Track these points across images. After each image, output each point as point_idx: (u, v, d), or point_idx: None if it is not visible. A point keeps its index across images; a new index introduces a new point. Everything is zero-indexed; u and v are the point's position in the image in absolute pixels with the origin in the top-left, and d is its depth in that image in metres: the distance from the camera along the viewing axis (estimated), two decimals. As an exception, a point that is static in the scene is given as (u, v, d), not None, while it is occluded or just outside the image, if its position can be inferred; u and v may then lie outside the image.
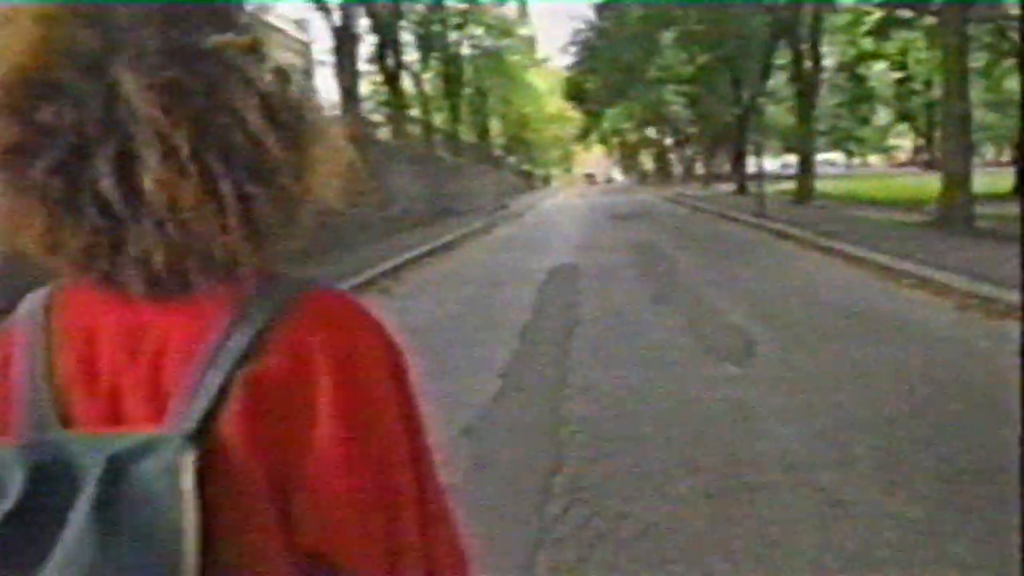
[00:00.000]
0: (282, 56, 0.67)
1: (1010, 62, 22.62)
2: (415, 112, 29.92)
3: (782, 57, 27.17)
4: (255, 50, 0.64)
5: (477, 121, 42.59)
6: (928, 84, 43.91)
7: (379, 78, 27.08)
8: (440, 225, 18.74)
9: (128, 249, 0.62)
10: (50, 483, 0.60)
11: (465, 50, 36.87)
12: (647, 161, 71.72)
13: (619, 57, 30.83)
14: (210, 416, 0.63)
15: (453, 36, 34.10)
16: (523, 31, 41.67)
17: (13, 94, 0.60)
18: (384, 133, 21.49)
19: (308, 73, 0.72)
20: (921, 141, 55.81)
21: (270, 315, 0.66)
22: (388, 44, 24.33)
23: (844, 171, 56.24)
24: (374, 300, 7.82)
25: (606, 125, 50.01)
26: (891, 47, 31.17)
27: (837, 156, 61.91)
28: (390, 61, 24.71)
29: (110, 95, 0.59)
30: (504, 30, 38.72)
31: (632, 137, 62.69)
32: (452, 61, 34.14)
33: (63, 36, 0.60)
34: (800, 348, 5.71)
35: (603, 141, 62.12)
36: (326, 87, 23.35)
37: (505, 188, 37.89)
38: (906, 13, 23.64)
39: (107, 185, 0.59)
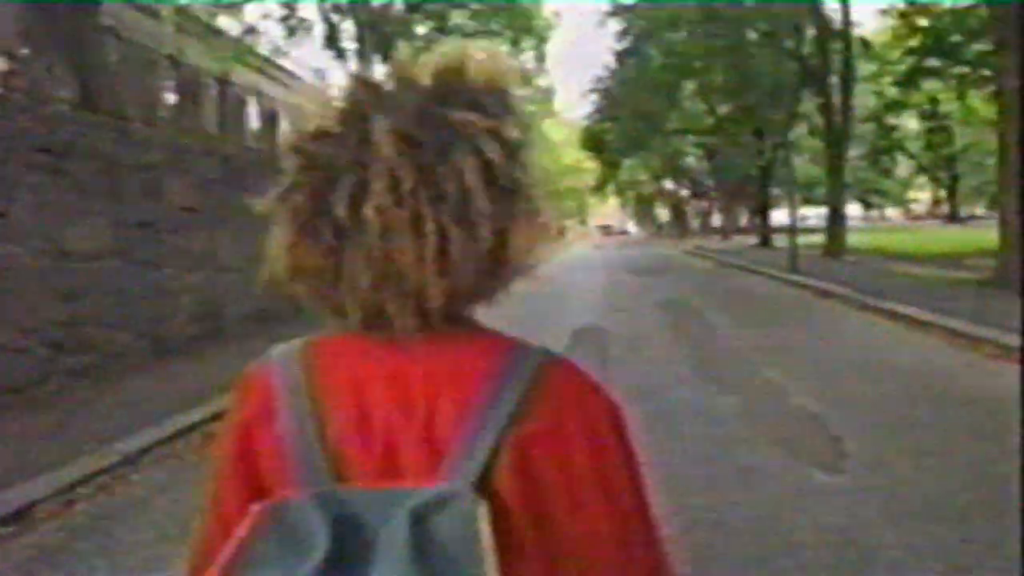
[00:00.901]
0: (515, 135, 0.75)
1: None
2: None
3: (804, 107, 26.46)
4: (493, 132, 0.73)
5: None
6: (950, 137, 43.11)
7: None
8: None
9: (344, 273, 0.72)
10: (350, 535, 0.65)
11: (481, 100, 36.47)
12: (662, 213, 70.83)
13: (639, 107, 30.04)
14: (485, 472, 0.69)
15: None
16: (541, 82, 41.39)
17: (302, 139, 0.75)
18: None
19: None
20: (940, 194, 54.86)
21: (528, 383, 0.73)
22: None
23: (863, 223, 55.23)
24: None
25: (623, 176, 49.18)
26: (919, 97, 30.33)
27: (856, 208, 60.93)
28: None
29: (363, 137, 0.71)
30: (522, 80, 38.39)
31: (648, 188, 61.96)
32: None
33: (347, 97, 0.76)
34: (900, 447, 4.57)
35: (620, 192, 61.34)
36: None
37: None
38: (935, 62, 22.92)
39: (341, 208, 0.70)
